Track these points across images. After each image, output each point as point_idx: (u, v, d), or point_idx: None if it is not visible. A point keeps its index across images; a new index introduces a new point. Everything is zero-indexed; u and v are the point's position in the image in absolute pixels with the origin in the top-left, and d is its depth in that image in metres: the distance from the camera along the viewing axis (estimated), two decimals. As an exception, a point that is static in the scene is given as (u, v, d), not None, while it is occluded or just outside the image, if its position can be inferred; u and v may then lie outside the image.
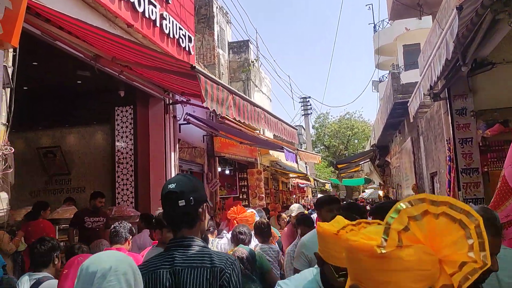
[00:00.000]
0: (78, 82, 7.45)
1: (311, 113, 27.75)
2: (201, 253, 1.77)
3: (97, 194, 6.34)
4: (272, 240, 4.85)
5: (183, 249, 1.77)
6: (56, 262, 3.20)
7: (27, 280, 3.03)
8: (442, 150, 6.69)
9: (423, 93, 4.83)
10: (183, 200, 1.75)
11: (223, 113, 4.50)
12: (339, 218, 1.59)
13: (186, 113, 9.41)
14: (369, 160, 17.29)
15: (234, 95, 4.85)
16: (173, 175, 8.81)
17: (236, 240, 3.93)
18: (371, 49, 30.11)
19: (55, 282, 3.06)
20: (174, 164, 8.91)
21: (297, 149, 11.25)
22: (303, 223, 3.91)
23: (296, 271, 3.11)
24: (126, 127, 8.43)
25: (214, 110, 9.95)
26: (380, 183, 19.32)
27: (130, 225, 4.97)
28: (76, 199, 7.94)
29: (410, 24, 25.32)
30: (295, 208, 5.95)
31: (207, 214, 1.89)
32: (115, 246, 3.91)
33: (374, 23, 29.40)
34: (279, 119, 7.40)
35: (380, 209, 2.69)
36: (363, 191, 44.97)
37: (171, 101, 8.89)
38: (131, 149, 8.34)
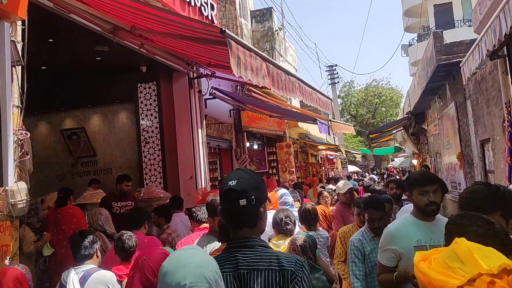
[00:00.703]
0: (98, 59, 7.03)
1: (338, 82, 26.75)
2: (267, 254, 1.65)
3: (123, 177, 6.01)
4: (320, 225, 4.48)
5: (246, 250, 1.66)
6: (98, 254, 3.21)
7: (74, 274, 3.00)
8: (497, 115, 6.01)
9: (487, 50, 4.16)
10: (245, 200, 1.64)
11: (259, 84, 3.99)
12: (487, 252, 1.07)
13: (212, 87, 8.94)
14: (402, 128, 16.49)
15: (267, 63, 4.33)
16: (201, 153, 8.43)
17: (282, 230, 3.49)
18: (400, 11, 28.57)
19: (105, 272, 3.11)
20: (202, 141, 8.52)
21: (330, 120, 10.66)
22: (371, 206, 3.42)
23: (381, 266, 2.69)
24: (150, 104, 8.03)
25: (240, 82, 9.44)
26: (414, 151, 18.55)
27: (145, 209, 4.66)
28: (103, 181, 7.68)
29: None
30: (341, 185, 5.56)
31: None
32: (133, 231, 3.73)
33: (401, -17, 27.76)
34: (314, 88, 6.84)
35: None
36: (392, 160, 44.07)
37: (195, 75, 8.42)
38: (156, 128, 7.97)
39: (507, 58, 5.18)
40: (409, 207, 4.69)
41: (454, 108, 8.83)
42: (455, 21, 23.71)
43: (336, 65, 23.51)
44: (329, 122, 10.58)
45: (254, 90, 11.22)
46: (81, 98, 8.12)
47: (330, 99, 8.29)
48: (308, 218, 4.09)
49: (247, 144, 11.95)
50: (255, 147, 13.23)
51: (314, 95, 6.90)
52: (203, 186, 8.28)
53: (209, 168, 9.19)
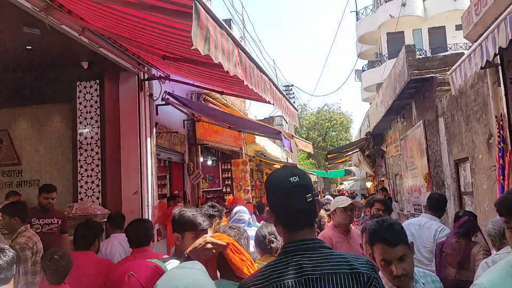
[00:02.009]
0: (28, 47, 5.90)
1: (294, 102, 26.42)
2: (335, 256, 1.50)
3: (41, 188, 4.91)
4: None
5: (310, 253, 1.50)
6: (17, 278, 2.23)
7: None
8: (481, 131, 5.52)
9: (487, 55, 3.58)
10: (311, 195, 1.56)
11: (230, 71, 3.15)
12: None
13: (165, 92, 7.96)
14: (358, 150, 16.22)
15: (240, 50, 3.49)
16: (149, 165, 7.38)
17: (266, 249, 2.99)
18: (354, 37, 29.12)
19: None
20: (151, 152, 7.46)
21: (292, 136, 9.98)
22: (382, 238, 2.09)
23: None
24: (91, 106, 6.92)
25: (197, 87, 8.52)
26: (369, 174, 18.33)
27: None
28: (29, 194, 6.45)
29: (394, 11, 24.44)
30: (340, 199, 4.05)
31: None
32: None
33: (356, 10, 28.33)
34: (284, 95, 6.10)
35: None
36: (341, 183, 44.46)
37: (147, 76, 7.44)
38: (97, 134, 6.85)
39: (500, 67, 4.69)
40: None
41: (422, 127, 8.41)
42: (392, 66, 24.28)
43: (292, 85, 23.25)
44: (292, 137, 9.91)
45: (211, 100, 10.37)
46: (5, 96, 6.87)
47: (297, 110, 7.59)
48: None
49: (201, 159, 10.98)
50: (209, 162, 12.28)
51: (283, 102, 6.14)
52: (149, 203, 7.22)
53: (157, 183, 8.16)
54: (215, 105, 9.95)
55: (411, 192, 10.08)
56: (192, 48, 2.65)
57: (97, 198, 6.76)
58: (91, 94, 6.98)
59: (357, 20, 28.18)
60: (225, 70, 3.05)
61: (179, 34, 3.93)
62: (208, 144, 10.36)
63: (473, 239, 3.76)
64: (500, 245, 3.00)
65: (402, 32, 23.82)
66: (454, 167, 6.78)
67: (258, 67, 4.23)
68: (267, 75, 4.78)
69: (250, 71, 3.81)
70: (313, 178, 32.97)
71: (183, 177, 9.63)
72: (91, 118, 6.89)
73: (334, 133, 46.64)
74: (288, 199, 1.56)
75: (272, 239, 3.03)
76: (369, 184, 19.41)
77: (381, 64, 25.24)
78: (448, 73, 4.94)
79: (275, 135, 7.95)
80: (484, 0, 4.23)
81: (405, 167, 10.51)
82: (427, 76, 7.31)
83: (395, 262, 1.98)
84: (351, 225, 4.17)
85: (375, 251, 2.07)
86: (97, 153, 6.84)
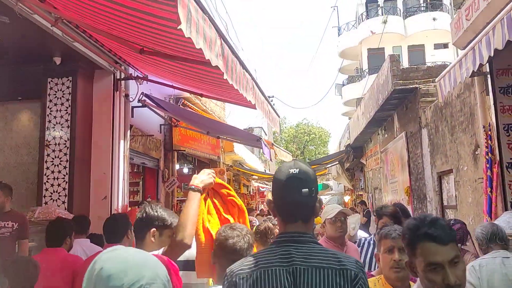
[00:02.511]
0: (-5, 38, 5.50)
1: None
2: (324, 252, 1.51)
3: (-6, 188, 4.48)
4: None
5: (300, 245, 1.52)
6: None
7: None
8: (466, 142, 5.39)
9: (477, 62, 3.41)
10: (307, 189, 1.54)
11: (212, 61, 2.89)
12: None
13: (142, 93, 7.62)
14: (337, 162, 16.10)
15: (223, 41, 3.24)
16: (121, 169, 7.00)
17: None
18: (335, 52, 29.36)
19: None
20: (124, 156, 7.10)
21: (272, 144, 9.74)
22: (429, 235, 1.57)
23: None
24: (62, 104, 6.53)
25: (175, 88, 8.19)
26: (347, 187, 18.22)
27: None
28: (-12, 196, 5.95)
29: (375, 28, 24.76)
30: (329, 209, 3.62)
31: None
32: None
33: (338, 26, 28.60)
34: (266, 98, 5.85)
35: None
36: (318, 198, 44.42)
37: (123, 75, 7.10)
38: (66, 133, 6.45)
39: (489, 75, 4.57)
40: None
41: (404, 139, 8.30)
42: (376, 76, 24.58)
43: (273, 96, 23.10)
44: (272, 146, 9.66)
45: (190, 105, 10.06)
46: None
47: (279, 116, 7.36)
48: None
49: (177, 166, 10.60)
50: (186, 170, 11.89)
51: (266, 105, 5.90)
52: (119, 209, 6.84)
53: (129, 189, 7.76)
54: (194, 107, 9.65)
55: (390, 205, 9.93)
56: (178, 27, 2.38)
57: (63, 202, 6.35)
58: (63, 91, 6.60)
59: (338, 35, 28.44)
60: (206, 58, 2.78)
61: (159, 23, 3.65)
62: (185, 150, 10.01)
63: (462, 247, 3.67)
64: (487, 249, 2.99)
65: (383, 48, 24.11)
66: (437, 180, 6.65)
67: (241, 63, 3.98)
68: (250, 74, 4.53)
69: (232, 66, 3.55)
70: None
71: (157, 184, 9.24)
72: (61, 117, 6.50)
73: (312, 147, 46.85)
74: (284, 190, 1.57)
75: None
76: (347, 198, 19.30)
77: (361, 79, 25.45)
78: (437, 79, 4.80)
79: (255, 142, 7.68)
80: (476, 4, 4.11)
81: (385, 180, 10.39)
82: (411, 86, 7.21)
83: (448, 266, 1.52)
84: (346, 237, 3.80)
85: (419, 255, 1.57)
86: (65, 154, 6.44)
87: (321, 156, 39.07)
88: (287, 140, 45.44)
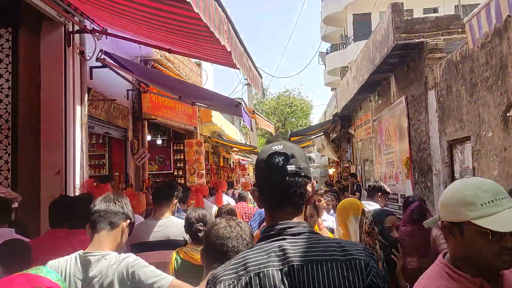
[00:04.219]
0: None
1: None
2: (325, 241, 1.25)
3: None
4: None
5: (294, 238, 1.25)
6: None
7: None
8: (494, 103, 4.46)
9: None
10: (294, 166, 1.27)
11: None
12: None
13: (102, 51, 6.40)
14: (323, 134, 15.21)
15: None
16: (78, 139, 5.87)
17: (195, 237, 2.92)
18: (319, 19, 28.13)
19: None
20: (81, 124, 5.96)
21: (253, 111, 8.70)
22: None
23: None
24: (0, 60, 5.39)
25: (144, 44, 7.01)
26: (332, 160, 17.42)
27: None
28: None
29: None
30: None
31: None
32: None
33: (322, -11, 27.24)
34: (246, 50, 4.79)
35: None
36: (300, 170, 43.99)
37: (76, 28, 5.88)
38: (7, 96, 5.34)
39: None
40: None
41: (403, 104, 7.36)
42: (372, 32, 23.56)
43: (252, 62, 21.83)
44: (253, 113, 8.62)
45: (162, 69, 8.89)
46: None
47: (261, 77, 6.30)
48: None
49: (148, 137, 9.51)
50: (159, 142, 10.81)
51: (246, 59, 4.84)
52: (77, 185, 5.76)
53: (89, 162, 6.68)
54: (167, 69, 8.50)
55: (384, 179, 9.09)
56: None
57: (6, 178, 5.31)
58: (1, 45, 5.42)
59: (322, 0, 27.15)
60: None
61: None
62: (156, 119, 8.90)
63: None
64: None
65: (369, 14, 22.98)
66: (447, 149, 5.74)
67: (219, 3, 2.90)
68: (224, 10, 3.45)
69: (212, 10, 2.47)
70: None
71: (125, 157, 8.15)
72: (1, 76, 5.34)
73: (294, 119, 46.09)
74: (266, 170, 1.31)
75: (199, 227, 2.86)
76: (331, 171, 18.54)
77: (346, 46, 24.40)
78: (465, 19, 3.80)
79: (234, 108, 6.61)
80: None
81: (378, 151, 9.52)
82: (416, 41, 6.21)
83: None
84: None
85: None
86: (6, 120, 5.34)
87: (303, 128, 38.35)
88: (268, 112, 44.46)
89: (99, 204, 2.20)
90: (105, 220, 2.15)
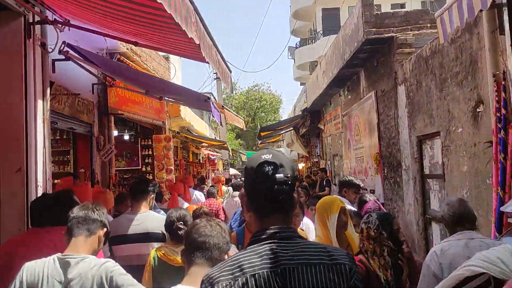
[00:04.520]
0: None
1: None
2: (312, 246, 1.38)
3: None
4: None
5: (285, 242, 1.35)
6: None
7: None
8: (463, 98, 4.50)
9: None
10: (282, 175, 1.37)
11: None
12: None
13: (65, 43, 6.10)
14: (292, 128, 15.21)
15: None
16: (40, 135, 5.57)
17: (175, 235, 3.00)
18: (288, 13, 28.08)
19: None
20: (43, 119, 5.66)
21: (223, 106, 8.55)
22: None
23: None
24: (-48, 51, 5.02)
25: (110, 37, 6.75)
26: (302, 155, 17.48)
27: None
28: None
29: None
30: None
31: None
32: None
33: (291, -16, 27.20)
34: (215, 44, 4.65)
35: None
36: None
37: (37, 19, 5.57)
38: (-40, 89, 4.98)
39: (505, 8, 3.60)
40: None
41: (373, 99, 7.40)
42: (341, 27, 23.73)
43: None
44: (223, 108, 8.47)
45: (129, 62, 8.59)
46: None
47: (231, 71, 6.17)
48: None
49: (115, 133, 9.19)
50: (126, 138, 10.50)
51: (215, 53, 4.70)
52: (40, 183, 5.48)
53: (53, 158, 6.38)
54: (134, 63, 8.23)
55: (354, 174, 9.16)
56: None
57: (-39, 177, 4.96)
58: (-48, 35, 5.06)
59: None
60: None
61: None
62: (123, 114, 8.61)
63: None
64: (453, 231, 2.75)
65: (338, 8, 23.13)
66: (416, 145, 5.80)
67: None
68: (192, 3, 3.31)
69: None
70: (243, 158, 32.03)
71: (91, 153, 7.84)
72: (-48, 68, 4.99)
73: (263, 114, 46.15)
74: (256, 178, 1.40)
75: (180, 226, 2.94)
76: (300, 166, 18.61)
77: (315, 41, 24.49)
78: (437, 14, 3.80)
79: (203, 103, 6.44)
80: None
81: (348, 146, 9.57)
82: (386, 35, 6.23)
83: None
84: None
85: None
86: (-41, 116, 4.98)
87: (272, 123, 38.41)
88: (238, 106, 44.30)
89: (78, 211, 2.26)
90: (83, 226, 2.21)
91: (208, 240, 1.91)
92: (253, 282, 1.28)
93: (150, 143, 10.79)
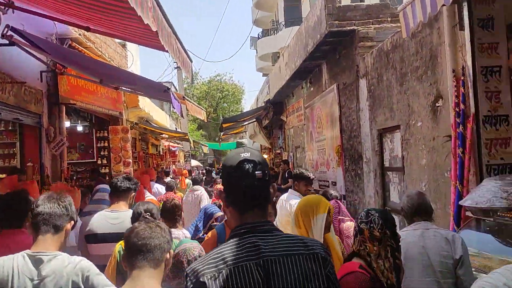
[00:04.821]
0: None
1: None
2: (290, 238, 1.48)
3: None
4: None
5: (265, 235, 1.44)
6: None
7: None
8: (423, 92, 4.49)
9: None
10: (261, 172, 1.46)
11: None
12: None
13: (9, 26, 5.65)
14: (255, 120, 15.08)
15: None
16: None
17: None
18: (250, 3, 27.81)
19: None
20: (-18, 109, 5.25)
21: (184, 97, 8.27)
22: None
23: None
24: None
25: (60, 21, 6.32)
26: (265, 146, 17.40)
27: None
28: None
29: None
30: None
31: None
32: None
33: (253, -26, 26.87)
34: (174, 31, 4.41)
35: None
36: (231, 156, 43.87)
37: (-27, -1, 5.09)
38: None
39: (465, 3, 3.58)
40: None
41: (335, 91, 7.36)
42: (303, 19, 23.68)
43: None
44: (183, 99, 8.20)
45: (82, 49, 8.13)
46: None
47: (192, 61, 5.92)
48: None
49: (67, 124, 8.73)
50: (80, 129, 10.03)
51: (174, 41, 4.46)
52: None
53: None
54: (86, 52, 7.79)
55: (316, 166, 9.15)
56: None
57: None
58: None
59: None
60: None
61: None
62: (76, 104, 8.16)
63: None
64: (410, 223, 2.87)
65: (299, 0, 23.09)
66: (377, 138, 5.79)
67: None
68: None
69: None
70: (205, 150, 31.64)
71: (40, 145, 7.39)
72: None
73: (225, 105, 45.76)
74: (236, 175, 1.47)
75: (147, 216, 2.92)
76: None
77: (277, 32, 24.37)
78: (399, 8, 3.73)
79: (162, 94, 6.16)
80: None
81: (310, 138, 9.54)
82: (348, 28, 6.16)
83: None
84: None
85: None
86: None
87: (235, 114, 38.14)
88: (199, 96, 43.68)
89: (43, 206, 2.16)
90: (49, 223, 2.14)
91: (149, 242, 1.91)
92: (237, 273, 1.36)
93: (106, 134, 10.34)
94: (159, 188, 8.72)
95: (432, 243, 2.67)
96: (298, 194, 4.40)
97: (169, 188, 8.16)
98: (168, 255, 1.96)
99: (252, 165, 1.45)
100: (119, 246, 2.94)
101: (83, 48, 8.21)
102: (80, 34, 7.87)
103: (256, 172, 1.45)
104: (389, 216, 2.33)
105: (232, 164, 1.48)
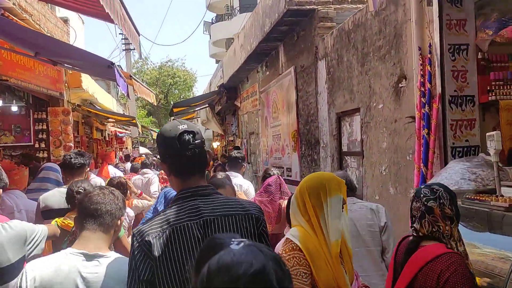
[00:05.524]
0: None
1: (134, 49, 22.70)
2: (229, 200, 1.67)
3: None
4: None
5: (205, 198, 1.61)
6: None
7: None
8: (385, 73, 4.31)
9: None
10: (200, 140, 1.63)
11: None
12: None
13: None
14: (207, 105, 14.62)
15: None
16: None
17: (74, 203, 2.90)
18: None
19: None
20: None
21: (131, 76, 7.70)
22: None
23: None
24: None
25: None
26: (218, 133, 17.00)
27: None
28: None
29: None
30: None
31: None
32: None
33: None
34: (121, 2, 3.94)
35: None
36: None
37: None
38: None
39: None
40: None
41: (292, 75, 7.11)
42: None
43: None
44: (131, 79, 7.62)
45: (17, 20, 7.33)
46: None
47: (139, 34, 5.42)
48: None
49: (0, 103, 7.93)
50: (14, 109, 9.19)
51: (118, 6, 3.99)
52: None
53: None
54: (21, 23, 7.03)
55: (270, 152, 8.91)
56: None
57: None
58: None
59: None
60: None
61: None
62: (9, 81, 7.38)
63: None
64: None
65: (255, -14, 22.65)
66: (335, 122, 5.61)
67: None
68: None
69: None
70: (155, 136, 30.71)
71: (-34, 126, 6.62)
72: None
73: (176, 91, 44.68)
74: (178, 145, 1.59)
75: (80, 190, 2.94)
76: (215, 145, 18.15)
77: (231, 17, 23.86)
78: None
79: (106, 70, 5.59)
80: None
81: (265, 124, 9.28)
82: (308, 7, 5.91)
83: None
84: None
85: None
86: None
87: (187, 99, 37.29)
88: (150, 82, 42.29)
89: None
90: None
91: (100, 207, 1.96)
92: (179, 232, 1.51)
93: (45, 116, 9.53)
94: (117, 172, 8.36)
95: (359, 215, 2.87)
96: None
97: (133, 169, 8.39)
98: (119, 222, 2.00)
99: (191, 135, 1.59)
100: (54, 222, 2.96)
101: (18, 20, 7.41)
102: (14, 4, 7.10)
103: (196, 141, 1.59)
104: (451, 190, 2.01)
105: (173, 135, 1.59)
